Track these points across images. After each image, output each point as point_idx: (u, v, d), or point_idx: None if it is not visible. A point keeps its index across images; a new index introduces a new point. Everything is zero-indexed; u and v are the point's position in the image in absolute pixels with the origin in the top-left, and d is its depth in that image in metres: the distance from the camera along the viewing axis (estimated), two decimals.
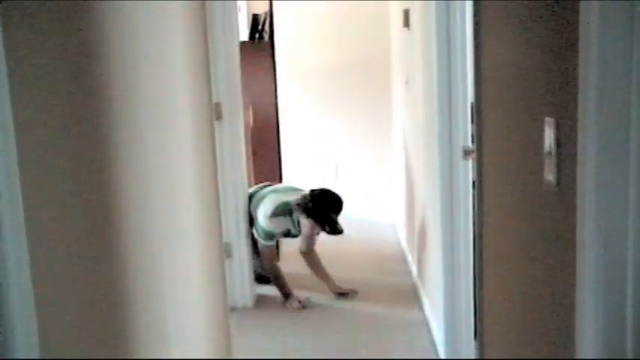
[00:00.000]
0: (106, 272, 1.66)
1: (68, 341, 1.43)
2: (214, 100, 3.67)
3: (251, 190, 4.83)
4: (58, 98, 1.39)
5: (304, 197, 4.56)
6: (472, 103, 2.90)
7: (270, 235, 4.56)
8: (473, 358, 3.28)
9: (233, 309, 4.01)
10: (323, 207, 4.49)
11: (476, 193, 2.38)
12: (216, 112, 3.77)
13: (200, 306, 2.94)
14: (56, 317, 1.34)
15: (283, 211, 4.53)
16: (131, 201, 1.89)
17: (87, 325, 1.52)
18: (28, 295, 1.15)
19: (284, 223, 4.56)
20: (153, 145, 2.18)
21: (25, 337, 1.13)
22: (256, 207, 4.59)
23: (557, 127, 1.39)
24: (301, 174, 7.36)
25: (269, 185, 4.98)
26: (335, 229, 4.48)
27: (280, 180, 7.58)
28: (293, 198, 4.61)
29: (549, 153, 1.43)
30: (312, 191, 4.61)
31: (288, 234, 4.69)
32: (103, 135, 1.67)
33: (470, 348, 3.38)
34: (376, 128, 6.62)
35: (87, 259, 1.52)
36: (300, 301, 4.38)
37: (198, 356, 2.81)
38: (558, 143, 1.39)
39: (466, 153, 3.25)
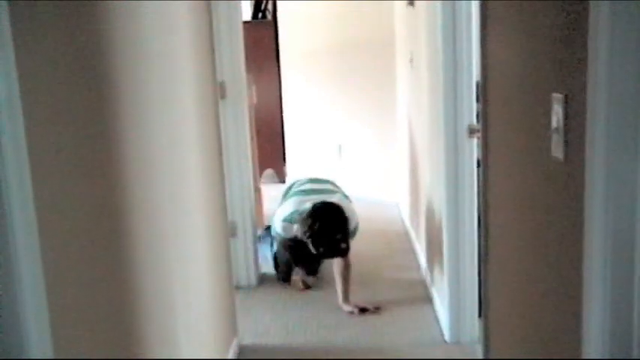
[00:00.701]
0: (114, 256, 1.66)
1: (81, 340, 1.44)
2: (218, 79, 3.65)
3: (292, 181, 4.77)
4: (62, 71, 1.38)
5: (305, 212, 4.11)
6: (477, 82, 2.88)
7: (280, 237, 4.36)
8: (477, 337, 3.29)
9: (237, 287, 4.02)
10: (318, 228, 3.98)
11: (481, 171, 2.37)
12: (220, 91, 3.75)
13: (206, 284, 2.95)
14: (69, 317, 1.34)
15: (296, 219, 4.19)
16: (137, 181, 1.89)
17: (97, 314, 1.52)
18: (41, 295, 1.14)
19: (294, 231, 4.22)
20: (157, 124, 2.18)
21: (39, 337, 1.13)
22: (281, 203, 4.52)
23: (566, 103, 1.38)
24: (305, 154, 7.36)
25: (310, 181, 4.70)
26: (330, 252, 4.03)
27: (283, 159, 7.59)
28: (308, 205, 4.17)
29: (557, 129, 1.42)
30: (313, 207, 4.10)
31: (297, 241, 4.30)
32: (106, 116, 1.66)
33: (474, 327, 3.39)
34: (380, 108, 6.60)
35: (95, 245, 1.53)
36: (304, 281, 4.39)
37: (205, 334, 2.82)
38: (566, 119, 1.39)
39: (471, 131, 3.23)
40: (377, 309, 3.97)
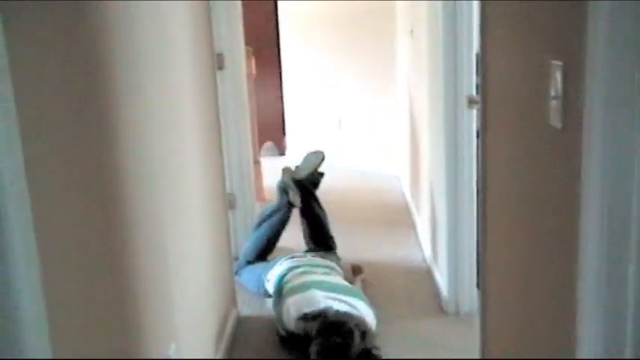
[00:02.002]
0: (109, 229, 1.65)
1: (80, 334, 1.43)
2: (216, 50, 3.63)
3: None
4: (55, 48, 1.36)
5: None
6: (477, 54, 2.86)
7: None
8: (475, 307, 3.30)
9: (237, 259, 4.03)
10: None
11: (480, 142, 2.35)
12: (218, 63, 3.72)
13: (204, 256, 2.95)
14: (67, 314, 1.33)
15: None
16: (133, 154, 1.88)
17: (95, 301, 1.51)
18: (38, 294, 1.13)
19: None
20: (152, 95, 2.16)
21: (37, 337, 1.12)
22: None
23: (564, 71, 1.36)
24: (304, 126, 7.33)
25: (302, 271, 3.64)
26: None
27: (283, 132, 7.56)
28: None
29: (555, 97, 1.40)
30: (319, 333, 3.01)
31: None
32: (102, 89, 1.65)
33: (473, 298, 3.39)
34: (380, 79, 6.56)
35: (90, 226, 1.51)
36: None
37: (204, 307, 2.83)
38: (565, 87, 1.37)
39: (471, 102, 3.22)
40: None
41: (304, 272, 3.53)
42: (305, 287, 3.32)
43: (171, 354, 2.16)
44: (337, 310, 3.08)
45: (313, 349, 2.92)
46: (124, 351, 1.75)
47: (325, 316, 3.01)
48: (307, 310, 3.12)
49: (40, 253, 1.13)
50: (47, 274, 1.18)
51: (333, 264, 3.76)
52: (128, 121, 1.84)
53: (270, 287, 3.60)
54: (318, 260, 3.74)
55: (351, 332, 2.90)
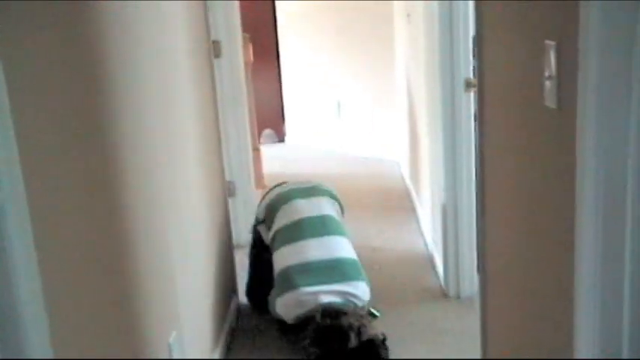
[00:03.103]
0: (108, 219, 1.65)
1: (81, 335, 1.43)
2: (212, 37, 3.61)
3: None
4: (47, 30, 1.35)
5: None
6: (474, 37, 2.84)
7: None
8: (476, 290, 3.31)
9: (237, 246, 4.03)
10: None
11: (477, 124, 2.35)
12: (215, 50, 3.71)
13: (205, 244, 2.95)
14: (68, 313, 1.33)
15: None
16: (131, 143, 1.87)
17: (95, 298, 1.51)
18: (37, 293, 1.12)
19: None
20: (150, 85, 2.15)
21: (37, 337, 1.11)
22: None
23: (558, 50, 1.36)
24: (304, 113, 7.32)
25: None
26: None
27: (282, 119, 7.55)
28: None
29: (550, 77, 1.40)
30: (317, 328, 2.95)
31: None
32: (98, 77, 1.64)
33: (473, 282, 3.40)
34: (379, 64, 6.53)
35: (90, 218, 1.51)
36: None
37: (205, 295, 2.84)
38: (559, 67, 1.36)
39: (468, 85, 3.20)
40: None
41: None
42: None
43: (172, 342, 2.16)
44: (329, 305, 3.00)
45: (309, 350, 2.89)
46: (125, 340, 1.75)
47: (317, 323, 2.93)
48: (299, 312, 3.07)
49: (38, 246, 1.13)
50: (46, 267, 1.18)
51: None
52: (125, 110, 1.84)
53: None
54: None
55: (346, 335, 2.83)
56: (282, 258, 3.23)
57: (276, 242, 3.34)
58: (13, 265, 1.05)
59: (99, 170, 1.61)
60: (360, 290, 3.13)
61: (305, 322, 3.01)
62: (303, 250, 3.21)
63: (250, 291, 3.64)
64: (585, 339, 1.25)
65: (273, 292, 3.24)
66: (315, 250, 3.20)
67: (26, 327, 1.08)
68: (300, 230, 3.29)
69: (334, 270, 3.15)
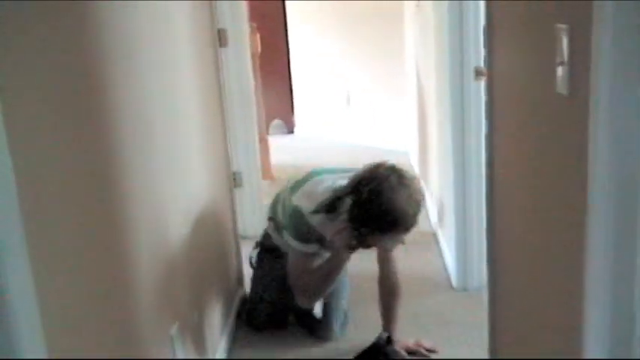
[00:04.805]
0: (109, 211, 1.61)
1: (79, 320, 1.40)
2: (218, 26, 3.57)
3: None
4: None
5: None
6: (484, 26, 2.79)
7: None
8: (484, 283, 3.26)
9: (244, 237, 3.99)
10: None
11: (486, 113, 2.30)
12: (220, 39, 3.66)
13: (210, 235, 2.92)
14: (61, 312, 1.29)
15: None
16: (131, 132, 1.83)
17: (91, 292, 1.47)
18: (30, 293, 1.09)
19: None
20: (153, 75, 2.11)
21: (31, 336, 1.08)
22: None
23: (571, 34, 1.30)
24: (313, 103, 7.28)
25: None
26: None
27: (292, 110, 7.51)
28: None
29: (561, 62, 1.34)
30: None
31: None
32: (99, 68, 1.60)
33: (482, 273, 3.35)
34: (388, 55, 6.48)
35: (91, 208, 1.47)
36: None
37: (209, 286, 2.81)
38: (571, 52, 1.31)
39: (478, 74, 3.15)
40: (431, 351, 2.95)
41: None
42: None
43: (174, 334, 2.13)
44: None
45: None
46: (127, 331, 1.72)
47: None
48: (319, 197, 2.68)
49: (30, 240, 1.09)
50: (42, 260, 1.15)
51: None
52: (124, 99, 1.80)
53: None
54: None
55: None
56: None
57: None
58: (4, 262, 1.02)
59: (97, 161, 1.57)
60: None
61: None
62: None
63: (251, 312, 3.26)
64: (595, 339, 1.21)
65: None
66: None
67: (19, 326, 1.05)
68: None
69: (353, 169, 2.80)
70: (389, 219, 2.51)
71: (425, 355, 2.91)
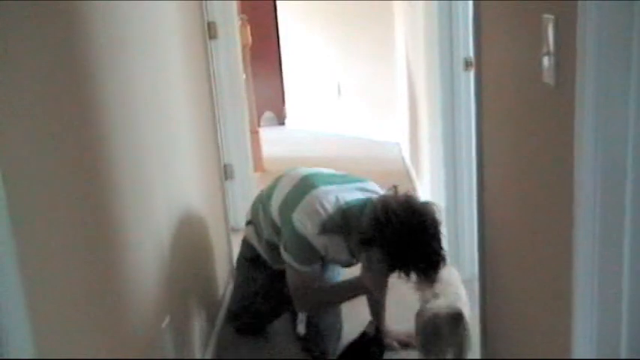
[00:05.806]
0: (101, 204, 1.61)
1: (70, 313, 1.40)
2: (208, 18, 3.56)
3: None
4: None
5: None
6: (472, 17, 2.80)
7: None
8: (475, 273, 3.28)
9: (235, 230, 4.00)
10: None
11: (475, 103, 2.31)
12: (210, 31, 3.65)
13: (201, 227, 2.92)
14: (50, 312, 1.29)
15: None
16: (120, 126, 1.83)
17: (82, 291, 1.47)
18: (18, 291, 1.08)
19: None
20: (139, 66, 2.10)
21: (18, 335, 1.07)
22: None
23: (557, 25, 1.31)
24: (304, 94, 7.27)
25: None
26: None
27: (283, 101, 7.50)
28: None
29: (548, 52, 1.35)
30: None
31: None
32: (87, 61, 1.59)
33: (474, 263, 3.36)
34: (379, 45, 6.47)
35: (81, 203, 1.47)
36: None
37: (200, 279, 2.81)
38: (557, 42, 1.31)
39: (467, 64, 3.15)
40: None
41: None
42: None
43: (165, 327, 2.13)
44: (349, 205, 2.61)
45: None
46: (118, 324, 1.72)
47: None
48: (322, 217, 2.55)
49: (18, 237, 1.09)
50: (30, 253, 1.14)
51: None
52: (113, 92, 1.79)
53: None
54: None
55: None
56: None
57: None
58: None
59: (86, 156, 1.57)
60: (376, 187, 2.82)
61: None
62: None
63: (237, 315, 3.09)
64: (583, 339, 1.22)
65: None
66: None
67: (6, 325, 1.04)
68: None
69: (347, 176, 2.84)
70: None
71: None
